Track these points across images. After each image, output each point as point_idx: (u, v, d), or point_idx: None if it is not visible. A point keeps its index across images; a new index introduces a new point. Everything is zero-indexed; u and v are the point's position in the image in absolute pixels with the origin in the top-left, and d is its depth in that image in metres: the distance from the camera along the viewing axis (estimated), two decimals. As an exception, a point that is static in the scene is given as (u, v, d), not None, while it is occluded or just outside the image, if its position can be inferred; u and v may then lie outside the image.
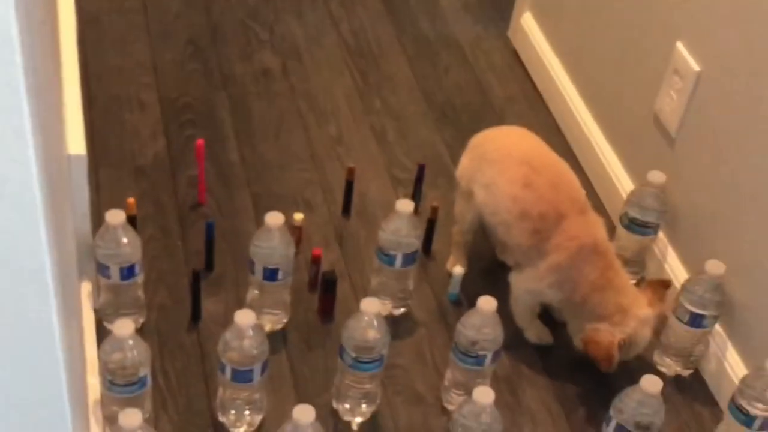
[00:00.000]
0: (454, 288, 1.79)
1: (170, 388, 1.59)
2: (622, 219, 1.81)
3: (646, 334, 1.62)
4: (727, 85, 1.65)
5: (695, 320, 1.64)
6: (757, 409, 1.49)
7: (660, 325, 1.67)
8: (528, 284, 1.67)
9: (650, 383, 1.44)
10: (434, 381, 1.65)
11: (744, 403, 1.50)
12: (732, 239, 1.65)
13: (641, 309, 1.62)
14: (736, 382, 1.56)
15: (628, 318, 1.61)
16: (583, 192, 1.68)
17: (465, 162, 1.76)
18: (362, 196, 1.97)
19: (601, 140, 2.03)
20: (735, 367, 1.64)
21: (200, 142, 1.83)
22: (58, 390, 1.03)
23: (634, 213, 1.79)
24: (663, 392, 1.47)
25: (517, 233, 1.65)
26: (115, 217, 1.53)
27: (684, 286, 1.66)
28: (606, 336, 1.59)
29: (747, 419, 1.50)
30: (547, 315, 1.74)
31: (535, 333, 1.74)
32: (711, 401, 1.69)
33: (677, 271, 1.78)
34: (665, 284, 1.68)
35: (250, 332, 1.43)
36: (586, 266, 1.61)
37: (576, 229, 1.62)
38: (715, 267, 1.61)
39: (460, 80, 2.29)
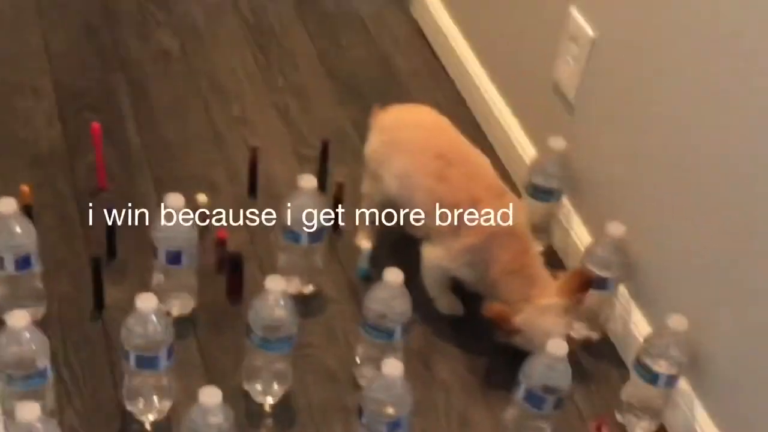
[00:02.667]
0: (363, 264, 1.78)
1: (75, 379, 1.56)
2: (526, 187, 1.82)
3: (547, 322, 1.59)
4: (622, 50, 1.67)
5: (599, 283, 1.66)
6: (660, 367, 1.52)
7: (573, 315, 1.64)
8: (440, 261, 1.67)
9: (556, 347, 1.45)
10: (346, 358, 1.65)
11: (648, 361, 1.53)
12: (631, 201, 1.67)
13: (546, 298, 1.61)
14: (642, 341, 1.58)
15: (528, 306, 1.61)
16: (498, 178, 1.69)
17: (374, 144, 1.74)
18: (267, 175, 1.95)
19: (504, 109, 2.04)
20: (640, 327, 1.67)
21: (96, 125, 1.79)
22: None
23: (537, 180, 1.80)
24: (572, 355, 1.49)
25: (430, 221, 1.66)
26: (6, 205, 1.48)
27: (587, 250, 1.68)
28: (506, 307, 1.61)
29: (652, 377, 1.53)
30: (458, 285, 1.75)
31: (446, 304, 1.74)
32: (619, 362, 1.71)
33: (581, 236, 1.80)
34: (585, 278, 1.64)
35: (153, 317, 1.41)
36: (500, 249, 1.62)
37: (491, 213, 1.62)
38: (616, 229, 1.64)
39: (363, 55, 2.28)
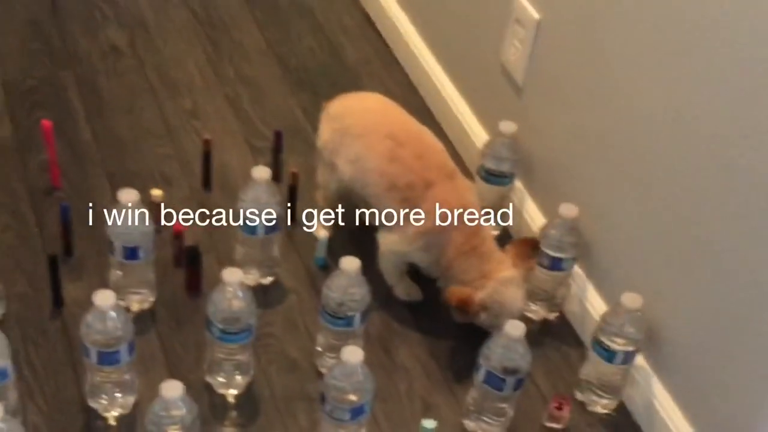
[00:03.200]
0: (321, 253, 1.79)
1: (37, 377, 1.55)
2: (479, 171, 1.84)
3: (510, 294, 1.62)
4: (566, 32, 1.69)
5: (555, 264, 1.69)
6: (617, 344, 1.55)
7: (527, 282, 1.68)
8: (396, 246, 1.68)
9: (514, 328, 1.47)
10: (308, 347, 1.66)
11: (605, 339, 1.56)
12: (583, 182, 1.70)
13: (504, 272, 1.63)
14: (598, 320, 1.61)
15: (489, 281, 1.63)
16: (448, 158, 1.70)
17: (326, 133, 1.75)
18: (222, 167, 1.95)
19: (454, 95, 2.06)
20: (596, 306, 1.70)
21: (47, 123, 1.78)
22: None
23: (489, 164, 1.82)
24: (532, 337, 1.51)
25: (387, 203, 1.66)
26: (-40, 207, 1.47)
27: (541, 232, 1.71)
28: (466, 289, 1.63)
29: (609, 355, 1.56)
30: (416, 271, 1.77)
31: (404, 290, 1.76)
32: (577, 341, 1.74)
33: (535, 218, 1.83)
34: (532, 243, 1.69)
35: (112, 313, 1.41)
36: (453, 231, 1.64)
37: (444, 195, 1.64)
38: (569, 210, 1.66)
39: (313, 45, 2.28)
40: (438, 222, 1.63)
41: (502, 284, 1.63)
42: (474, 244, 1.64)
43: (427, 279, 1.75)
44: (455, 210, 1.63)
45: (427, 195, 1.63)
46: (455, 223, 1.63)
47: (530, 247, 1.67)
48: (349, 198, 1.77)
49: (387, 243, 1.70)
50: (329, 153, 1.74)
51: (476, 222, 1.65)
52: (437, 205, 1.63)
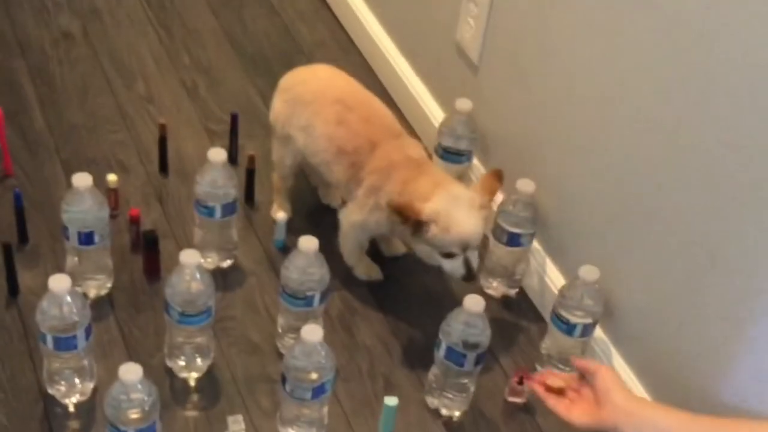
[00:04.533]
0: (280, 235, 1.79)
1: (-7, 367, 1.54)
2: (436, 150, 1.84)
3: (464, 211, 1.53)
4: (520, 10, 1.69)
5: (513, 239, 1.70)
6: (576, 317, 1.56)
7: (488, 216, 1.61)
8: (352, 217, 1.67)
9: (473, 302, 1.47)
10: (268, 328, 1.65)
11: (564, 313, 1.57)
12: (539, 158, 1.71)
13: (456, 187, 1.56)
14: (557, 294, 1.62)
15: (438, 192, 1.54)
16: (396, 122, 1.70)
17: (278, 106, 1.74)
18: (179, 152, 1.93)
19: (410, 75, 2.06)
20: (555, 280, 1.71)
21: (-2, 110, 1.76)
22: None
23: (446, 142, 1.82)
24: (492, 313, 1.52)
25: (336, 170, 1.66)
26: None
27: (499, 208, 1.71)
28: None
29: (568, 328, 1.57)
30: (375, 252, 1.77)
31: (364, 269, 1.75)
32: (537, 316, 1.75)
33: (493, 195, 1.83)
34: (496, 174, 1.61)
35: (67, 297, 1.39)
36: (396, 173, 1.59)
37: (388, 151, 1.62)
38: (526, 185, 1.67)
39: (268, 29, 2.27)
40: (381, 173, 1.59)
41: (452, 199, 1.54)
42: (418, 171, 1.58)
43: (385, 258, 1.76)
44: (397, 160, 1.60)
45: (372, 156, 1.62)
46: (399, 169, 1.58)
47: (494, 179, 1.60)
48: (306, 172, 1.76)
49: (344, 219, 1.69)
50: (281, 125, 1.73)
51: (423, 165, 1.61)
52: (378, 163, 1.60)
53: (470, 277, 1.56)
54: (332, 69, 1.78)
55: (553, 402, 1.42)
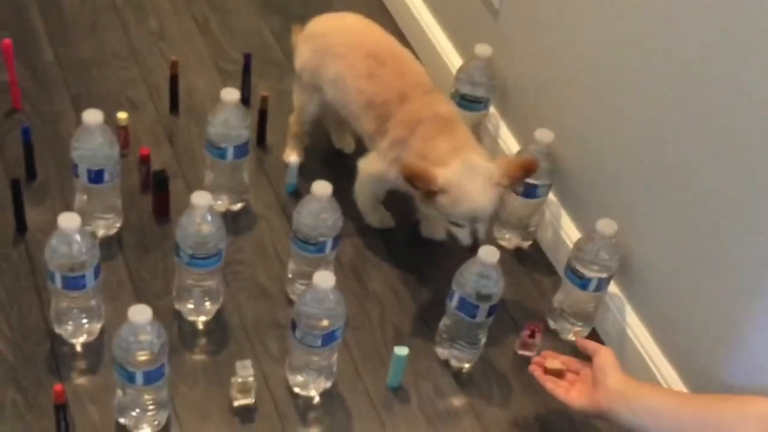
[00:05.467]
0: (292, 179, 1.76)
1: (1, 304, 1.52)
2: (453, 96, 1.80)
3: (477, 182, 1.48)
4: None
5: (529, 191, 1.67)
6: (591, 271, 1.54)
7: (502, 193, 1.54)
8: (372, 166, 1.64)
9: (488, 253, 1.45)
10: (278, 274, 1.63)
11: (579, 267, 1.54)
12: (558, 108, 1.67)
13: (475, 156, 1.51)
14: (572, 247, 1.59)
15: (455, 159, 1.50)
16: (428, 78, 1.65)
17: (305, 53, 1.70)
18: (190, 91, 1.90)
19: (427, 17, 2.01)
20: (570, 233, 1.68)
21: (7, 41, 1.72)
22: None
23: (464, 89, 1.78)
24: (505, 265, 1.49)
25: (364, 122, 1.62)
26: None
27: (515, 156, 1.68)
28: (424, 162, 1.51)
29: (582, 282, 1.55)
30: (388, 200, 1.74)
31: (378, 218, 1.73)
32: (550, 269, 1.73)
33: (510, 144, 1.80)
34: (526, 166, 1.53)
35: (77, 236, 1.37)
36: (422, 128, 1.56)
37: (416, 106, 1.59)
38: (544, 135, 1.63)
39: (283, -34, 2.22)
40: (408, 127, 1.56)
41: (468, 170, 1.49)
42: (443, 130, 1.55)
43: (398, 207, 1.73)
44: (426, 116, 1.56)
45: (401, 109, 1.59)
46: (426, 127, 1.53)
47: (522, 168, 1.52)
48: (332, 120, 1.72)
49: (364, 167, 1.66)
50: (309, 74, 1.69)
51: (452, 123, 1.57)
52: (405, 115, 1.57)
53: (475, 247, 1.51)
54: (362, 19, 1.73)
55: (551, 385, 1.43)
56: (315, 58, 1.67)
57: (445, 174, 1.49)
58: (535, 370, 1.45)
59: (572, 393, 1.40)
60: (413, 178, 1.49)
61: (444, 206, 1.50)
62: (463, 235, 1.53)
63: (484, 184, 1.49)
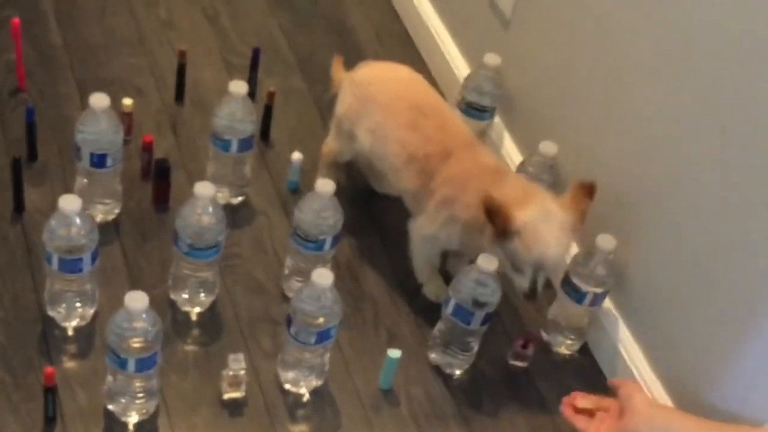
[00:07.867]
0: (293, 176, 1.75)
1: (-6, 282, 1.52)
2: (459, 104, 1.80)
3: (550, 231, 1.43)
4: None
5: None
6: (588, 286, 1.53)
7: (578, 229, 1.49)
8: (422, 230, 1.58)
9: (486, 262, 1.45)
10: (275, 269, 1.63)
11: (576, 280, 1.54)
12: (564, 120, 1.67)
13: (553, 203, 1.45)
14: (569, 261, 1.59)
15: (532, 201, 1.44)
16: (469, 131, 1.61)
17: (347, 99, 1.65)
18: (196, 82, 1.89)
19: (437, 25, 2.01)
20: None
21: (16, 20, 1.71)
22: None
23: (471, 97, 1.78)
24: (500, 275, 1.49)
25: (406, 177, 1.57)
26: None
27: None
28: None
29: (578, 296, 1.55)
30: (387, 199, 1.72)
31: (433, 288, 1.64)
32: (547, 282, 1.72)
33: (513, 155, 1.80)
34: (588, 190, 1.48)
35: (77, 218, 1.36)
36: (473, 183, 1.49)
37: (462, 160, 1.53)
38: (548, 148, 1.63)
39: (296, -36, 2.22)
40: (456, 184, 1.51)
41: (545, 215, 1.43)
42: (496, 180, 1.48)
43: (399, 206, 1.72)
44: (471, 171, 1.51)
45: (444, 165, 1.53)
46: (473, 179, 1.48)
47: (585, 194, 1.47)
48: (368, 170, 1.72)
49: (415, 231, 1.60)
50: (349, 121, 1.64)
51: (501, 172, 1.52)
52: (452, 172, 1.52)
53: (533, 298, 1.47)
54: (409, 71, 1.68)
55: (583, 425, 1.42)
56: (357, 105, 1.63)
57: (522, 216, 1.43)
58: (566, 410, 1.43)
59: (602, 428, 1.40)
60: (494, 212, 1.42)
61: (515, 249, 1.44)
62: (521, 282, 1.47)
63: (560, 231, 1.44)
